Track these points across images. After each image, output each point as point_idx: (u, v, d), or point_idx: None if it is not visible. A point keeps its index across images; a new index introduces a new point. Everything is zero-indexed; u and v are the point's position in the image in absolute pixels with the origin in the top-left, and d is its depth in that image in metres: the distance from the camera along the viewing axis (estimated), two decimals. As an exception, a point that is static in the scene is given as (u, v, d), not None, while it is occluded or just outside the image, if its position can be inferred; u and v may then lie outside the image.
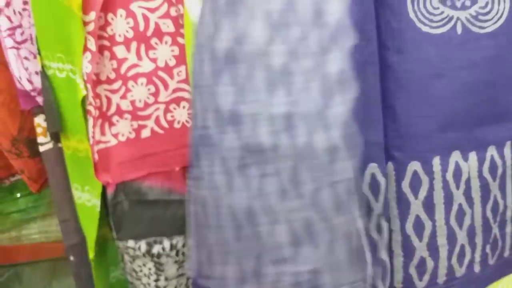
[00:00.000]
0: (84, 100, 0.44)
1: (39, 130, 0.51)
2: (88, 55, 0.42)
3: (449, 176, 0.37)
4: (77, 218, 0.52)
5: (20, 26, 0.50)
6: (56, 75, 0.47)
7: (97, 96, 0.45)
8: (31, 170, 0.53)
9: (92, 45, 0.41)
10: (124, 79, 0.44)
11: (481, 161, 0.37)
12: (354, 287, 0.32)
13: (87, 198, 0.49)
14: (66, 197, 0.52)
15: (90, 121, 0.44)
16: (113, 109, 0.45)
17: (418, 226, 0.37)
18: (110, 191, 0.47)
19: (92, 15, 0.40)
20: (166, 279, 0.48)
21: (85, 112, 0.45)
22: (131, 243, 0.47)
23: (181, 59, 0.42)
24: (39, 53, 0.48)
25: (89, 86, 0.42)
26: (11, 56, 0.49)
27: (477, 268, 0.39)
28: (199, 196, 0.32)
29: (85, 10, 0.40)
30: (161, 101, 0.44)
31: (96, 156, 0.45)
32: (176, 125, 0.45)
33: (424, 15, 0.34)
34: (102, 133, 0.46)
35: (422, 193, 0.36)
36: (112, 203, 0.47)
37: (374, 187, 0.36)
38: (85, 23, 0.41)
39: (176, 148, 0.45)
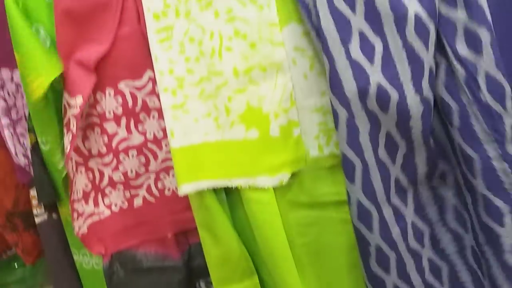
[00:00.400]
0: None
1: (34, 202, 0.52)
2: (69, 135, 0.43)
3: None
4: (74, 286, 0.52)
5: (14, 105, 0.52)
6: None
7: (89, 169, 0.46)
8: (26, 243, 0.54)
9: (73, 126, 0.42)
10: (115, 152, 0.45)
11: None
12: None
13: (96, 262, 0.50)
14: (60, 267, 0.52)
15: (77, 195, 0.46)
16: (105, 181, 0.46)
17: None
18: (105, 261, 0.47)
19: (79, 100, 0.41)
20: None
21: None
22: (128, 311, 0.47)
23: (167, 131, 0.44)
24: (31, 131, 0.50)
25: (69, 165, 0.44)
26: (7, 133, 0.51)
27: None
28: None
29: (72, 92, 0.42)
30: (152, 171, 0.46)
31: (85, 229, 0.46)
32: (167, 193, 0.46)
33: None
34: (96, 204, 0.47)
35: None
36: (107, 273, 0.47)
37: None
38: (69, 105, 0.43)
39: (168, 215, 0.47)
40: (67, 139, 0.43)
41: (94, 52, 0.41)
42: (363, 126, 0.34)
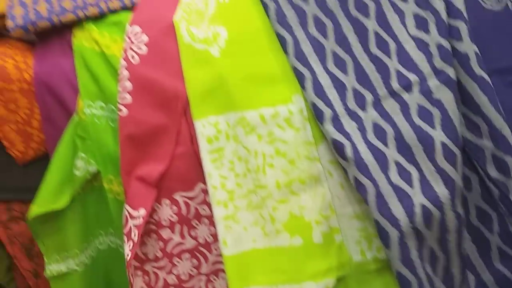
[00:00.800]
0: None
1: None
2: (130, 243, 0.47)
3: None
4: None
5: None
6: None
7: (146, 273, 0.50)
8: None
9: (135, 236, 0.46)
10: (169, 256, 0.49)
11: None
12: None
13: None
14: None
15: None
16: (160, 284, 0.50)
17: None
18: None
19: (142, 212, 0.47)
20: None
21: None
22: None
23: (217, 237, 0.48)
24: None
25: (129, 270, 0.47)
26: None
27: None
28: None
29: (134, 205, 0.48)
30: (203, 273, 0.49)
31: None
32: (217, 295, 0.49)
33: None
34: (151, 306, 0.50)
35: None
36: None
37: None
38: (132, 216, 0.48)
39: (218, 317, 0.49)
40: (128, 247, 0.48)
41: (155, 170, 0.47)
42: (412, 243, 0.37)
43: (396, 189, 0.37)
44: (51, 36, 0.52)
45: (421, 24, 0.39)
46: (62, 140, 0.52)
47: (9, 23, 0.49)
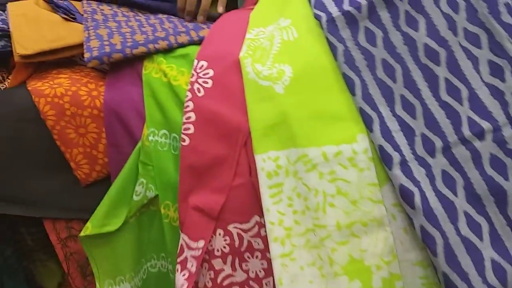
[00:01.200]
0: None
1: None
2: (185, 273, 0.48)
3: None
4: None
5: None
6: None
7: (195, 302, 0.51)
8: None
9: (193, 267, 0.47)
10: (220, 287, 0.50)
11: None
12: None
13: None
14: None
15: None
16: (209, 314, 0.50)
17: None
18: None
19: (201, 244, 0.48)
20: None
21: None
22: None
23: (269, 272, 0.48)
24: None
25: None
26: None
27: None
28: None
29: (193, 236, 0.49)
30: (253, 306, 0.49)
31: None
32: (267, 329, 0.48)
33: None
34: (200, 335, 0.50)
35: None
36: None
37: None
38: (189, 247, 0.49)
39: None
40: (182, 276, 0.49)
41: (216, 203, 0.47)
42: None
43: (465, 241, 0.36)
44: (123, 66, 0.56)
45: (496, 71, 0.38)
46: (126, 164, 0.54)
47: (86, 55, 0.53)
